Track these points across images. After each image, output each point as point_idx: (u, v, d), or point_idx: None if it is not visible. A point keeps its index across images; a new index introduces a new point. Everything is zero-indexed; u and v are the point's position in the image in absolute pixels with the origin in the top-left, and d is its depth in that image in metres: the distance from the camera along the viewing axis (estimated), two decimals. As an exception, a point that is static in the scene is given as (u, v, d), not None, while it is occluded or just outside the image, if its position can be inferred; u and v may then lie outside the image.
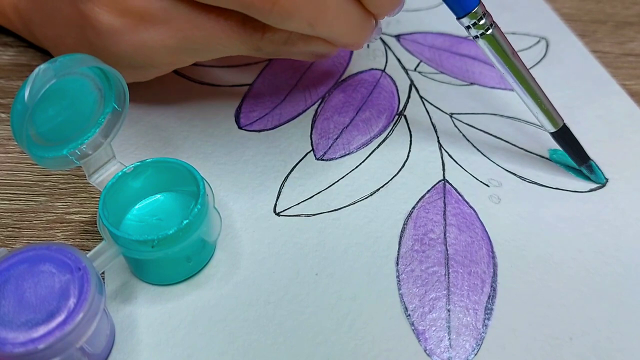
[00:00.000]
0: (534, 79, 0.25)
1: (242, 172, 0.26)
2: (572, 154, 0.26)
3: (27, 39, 0.32)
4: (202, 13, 0.22)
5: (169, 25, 0.23)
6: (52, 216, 0.25)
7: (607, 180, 0.27)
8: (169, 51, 0.24)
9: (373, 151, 0.28)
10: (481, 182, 0.26)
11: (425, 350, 0.21)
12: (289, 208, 0.25)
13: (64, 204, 0.25)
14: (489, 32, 0.23)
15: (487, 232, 0.24)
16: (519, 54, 0.24)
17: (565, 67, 0.33)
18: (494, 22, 0.23)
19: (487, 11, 0.23)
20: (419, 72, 0.32)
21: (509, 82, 0.24)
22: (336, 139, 0.28)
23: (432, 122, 0.29)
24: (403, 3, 0.24)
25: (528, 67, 0.24)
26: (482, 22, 0.23)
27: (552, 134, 0.26)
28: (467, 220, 0.25)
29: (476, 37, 0.23)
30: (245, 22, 0.23)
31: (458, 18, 0.23)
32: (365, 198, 0.26)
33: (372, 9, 0.23)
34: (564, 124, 0.25)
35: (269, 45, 0.24)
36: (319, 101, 0.30)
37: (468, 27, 0.23)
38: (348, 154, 0.28)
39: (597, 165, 0.27)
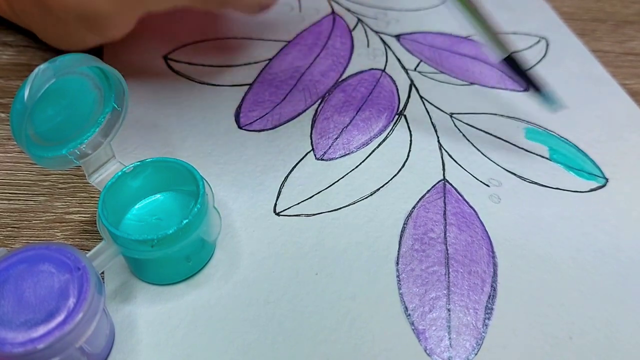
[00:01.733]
0: (485, 11, 0.26)
1: (242, 172, 0.26)
2: (526, 82, 0.27)
3: (17, 23, 0.32)
4: None
5: None
6: (52, 216, 0.24)
7: (607, 180, 0.27)
8: None
9: (373, 151, 0.28)
10: (481, 181, 0.26)
11: (425, 350, 0.21)
12: (288, 208, 0.25)
13: (64, 203, 0.25)
14: None
15: (487, 231, 0.24)
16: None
17: (565, 66, 0.33)
18: None
19: None
20: (419, 72, 0.32)
21: (459, 11, 0.25)
22: (336, 138, 0.28)
23: (432, 121, 0.29)
24: None
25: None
26: None
27: (503, 61, 0.27)
28: (467, 220, 0.25)
29: None
30: None
31: None
32: (365, 198, 0.26)
33: None
34: (511, 52, 0.26)
35: None
36: (319, 101, 0.30)
37: None
38: (348, 153, 0.27)
39: (552, 93, 0.27)
